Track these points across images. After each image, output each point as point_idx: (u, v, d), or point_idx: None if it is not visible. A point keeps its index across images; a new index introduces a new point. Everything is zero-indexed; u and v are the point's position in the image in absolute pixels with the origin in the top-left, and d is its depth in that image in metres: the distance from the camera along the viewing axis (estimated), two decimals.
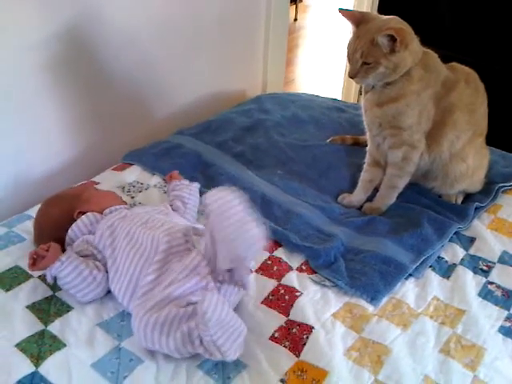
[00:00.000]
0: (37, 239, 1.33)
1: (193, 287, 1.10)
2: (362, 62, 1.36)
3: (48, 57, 1.57)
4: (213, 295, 1.01)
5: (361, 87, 1.65)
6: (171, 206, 1.41)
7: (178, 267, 1.13)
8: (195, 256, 1.14)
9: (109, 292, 1.22)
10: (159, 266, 1.15)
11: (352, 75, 1.41)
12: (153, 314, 1.04)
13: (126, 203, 1.42)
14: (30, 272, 1.25)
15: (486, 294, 1.29)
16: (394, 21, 1.38)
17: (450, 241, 1.44)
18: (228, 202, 1.03)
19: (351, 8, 2.88)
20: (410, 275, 1.32)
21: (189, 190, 1.46)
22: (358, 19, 1.38)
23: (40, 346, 1.08)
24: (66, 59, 1.62)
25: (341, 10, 1.40)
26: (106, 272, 1.21)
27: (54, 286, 1.23)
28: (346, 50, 1.41)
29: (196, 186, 1.50)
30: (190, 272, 1.11)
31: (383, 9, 2.64)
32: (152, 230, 1.21)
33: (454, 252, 1.41)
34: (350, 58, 1.40)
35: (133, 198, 1.56)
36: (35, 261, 1.16)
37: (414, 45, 1.38)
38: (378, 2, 2.77)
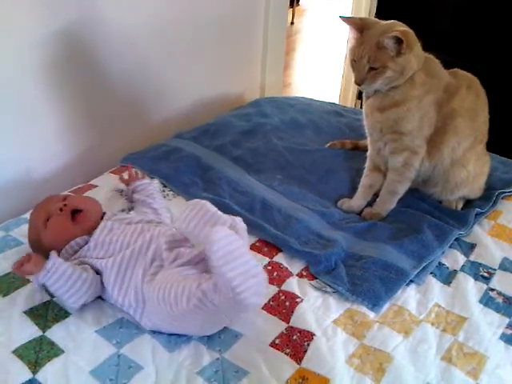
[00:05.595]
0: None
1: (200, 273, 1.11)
2: (368, 67, 1.36)
3: (46, 58, 1.56)
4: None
5: (359, 91, 1.64)
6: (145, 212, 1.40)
7: (187, 255, 1.14)
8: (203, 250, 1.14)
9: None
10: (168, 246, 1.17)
11: (359, 82, 1.40)
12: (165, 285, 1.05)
13: (100, 214, 1.33)
14: (27, 277, 1.23)
15: (487, 300, 1.28)
16: (397, 24, 1.38)
17: (450, 247, 1.43)
18: (233, 243, 1.01)
19: (349, 13, 2.88)
20: (411, 281, 1.32)
21: (154, 194, 1.46)
22: (360, 25, 1.38)
23: (37, 353, 1.07)
24: (64, 61, 1.61)
25: (342, 17, 1.39)
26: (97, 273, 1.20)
27: None
28: (350, 57, 1.40)
29: (157, 185, 1.51)
30: (200, 261, 1.12)
31: (381, 13, 2.65)
32: (149, 232, 1.21)
33: (454, 258, 1.41)
34: (356, 64, 1.39)
35: (132, 202, 1.55)
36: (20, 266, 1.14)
37: (418, 48, 1.38)
38: (376, 7, 2.78)
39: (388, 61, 1.33)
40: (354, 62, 1.39)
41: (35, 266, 1.14)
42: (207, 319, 1.09)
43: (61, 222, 1.25)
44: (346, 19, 1.40)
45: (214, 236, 0.99)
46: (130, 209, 1.48)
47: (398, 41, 1.30)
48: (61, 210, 1.26)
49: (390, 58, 1.33)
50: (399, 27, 1.36)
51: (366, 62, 1.35)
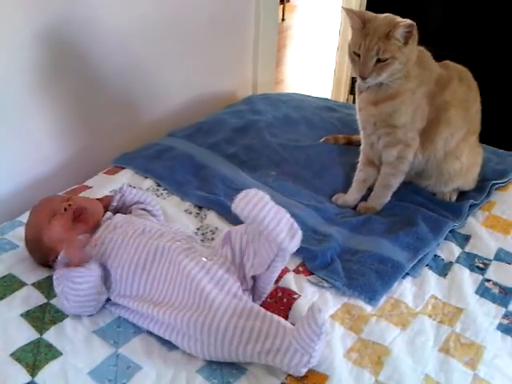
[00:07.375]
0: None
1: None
2: (376, 59, 1.33)
3: (36, 59, 1.55)
4: None
5: (352, 86, 1.63)
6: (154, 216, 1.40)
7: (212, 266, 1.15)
8: (224, 261, 1.17)
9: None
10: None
11: (366, 75, 1.36)
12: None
13: (101, 214, 1.31)
14: (23, 280, 1.24)
15: (483, 291, 1.29)
16: (393, 16, 1.36)
17: (445, 239, 1.44)
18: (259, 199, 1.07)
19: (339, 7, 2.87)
20: (407, 274, 1.32)
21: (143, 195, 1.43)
22: (363, 18, 1.35)
23: (35, 355, 1.06)
24: (55, 61, 1.60)
25: (345, 8, 1.37)
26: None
27: (49, 294, 1.21)
28: (351, 51, 1.38)
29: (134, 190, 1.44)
30: (224, 273, 1.14)
31: (371, 8, 2.64)
32: (154, 240, 1.19)
33: (449, 250, 1.41)
34: (361, 57, 1.35)
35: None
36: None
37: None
38: (366, 1, 2.78)
39: (397, 52, 1.32)
40: (357, 56, 1.36)
41: (82, 257, 1.15)
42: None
43: (64, 222, 1.24)
44: (349, 11, 1.37)
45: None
46: (128, 212, 1.45)
47: (409, 29, 1.30)
48: (65, 209, 1.25)
49: (398, 48, 1.32)
50: (399, 18, 1.35)
51: (375, 54, 1.33)
